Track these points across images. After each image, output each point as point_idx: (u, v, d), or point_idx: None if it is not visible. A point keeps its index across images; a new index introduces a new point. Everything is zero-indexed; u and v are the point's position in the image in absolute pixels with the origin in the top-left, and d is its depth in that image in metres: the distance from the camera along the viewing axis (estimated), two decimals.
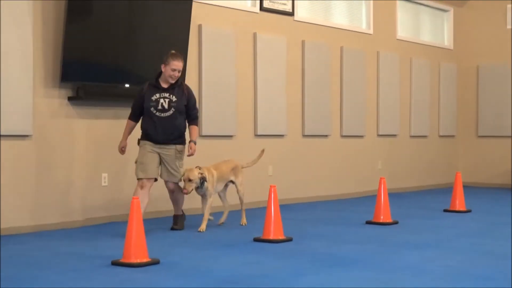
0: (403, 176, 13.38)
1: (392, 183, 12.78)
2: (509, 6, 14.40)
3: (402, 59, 13.37)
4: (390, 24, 13.14)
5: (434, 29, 14.62)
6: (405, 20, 13.72)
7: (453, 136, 14.88)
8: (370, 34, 12.66)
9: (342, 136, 12.02)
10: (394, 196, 11.90)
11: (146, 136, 7.66)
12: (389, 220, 8.66)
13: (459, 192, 10.03)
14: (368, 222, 8.70)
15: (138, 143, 7.73)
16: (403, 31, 13.60)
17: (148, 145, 7.61)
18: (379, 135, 12.85)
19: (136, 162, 7.67)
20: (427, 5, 14.14)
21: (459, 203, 9.99)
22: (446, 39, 14.87)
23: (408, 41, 13.59)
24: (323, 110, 11.59)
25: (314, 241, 7.27)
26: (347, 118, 12.06)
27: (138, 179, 7.60)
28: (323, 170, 11.63)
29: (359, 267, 5.89)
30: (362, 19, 12.69)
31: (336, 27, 11.91)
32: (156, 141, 7.60)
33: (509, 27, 14.45)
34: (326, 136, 11.70)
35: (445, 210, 10.02)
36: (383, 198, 8.68)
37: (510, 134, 14.36)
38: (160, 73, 7.66)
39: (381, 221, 8.62)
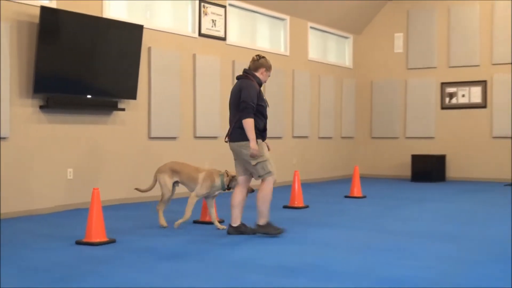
0: (313, 169, 13.56)
1: (304, 175, 12.96)
2: (396, 34, 14.75)
3: (313, 76, 13.54)
4: (303, 48, 13.29)
5: (338, 52, 14.84)
6: (315, 44, 13.90)
7: (352, 137, 15.14)
8: (287, 55, 12.79)
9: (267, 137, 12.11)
10: (306, 185, 12.07)
11: (260, 134, 6.50)
12: (302, 205, 8.80)
13: (356, 182, 10.20)
14: (285, 207, 8.80)
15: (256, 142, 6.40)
16: (313, 53, 13.77)
17: (263, 143, 6.54)
18: (294, 136, 12.99)
19: (260, 161, 6.32)
20: (332, 32, 14.35)
21: (357, 190, 10.16)
22: (347, 60, 15.11)
23: (317, 62, 13.77)
24: None
25: (245, 222, 7.32)
26: (270, 122, 12.13)
27: (269, 172, 6.33)
28: None
29: (281, 242, 5.97)
30: (281, 43, 12.82)
31: (260, 49, 11.99)
32: (264, 138, 6.62)
33: (396, 51, 14.80)
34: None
35: (346, 196, 10.17)
36: (297, 187, 8.81)
37: (397, 136, 14.72)
38: (249, 74, 6.56)
39: (295, 205, 8.75)
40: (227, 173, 6.72)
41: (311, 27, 13.58)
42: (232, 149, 6.50)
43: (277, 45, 12.71)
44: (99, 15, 8.77)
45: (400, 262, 5.06)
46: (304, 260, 5.10)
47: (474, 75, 13.82)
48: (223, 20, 11.03)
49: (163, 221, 6.83)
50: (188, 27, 10.53)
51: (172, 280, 4.40)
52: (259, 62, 6.59)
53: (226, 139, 6.53)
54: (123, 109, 9.07)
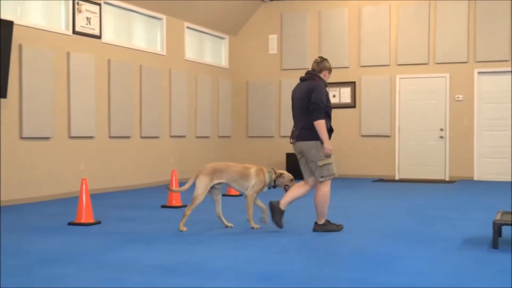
0: (191, 168, 13.58)
1: (182, 174, 12.96)
2: (270, 36, 15.08)
3: (189, 76, 13.57)
4: (179, 48, 13.28)
5: (214, 53, 14.96)
6: (192, 44, 13.93)
7: (229, 136, 15.32)
8: (164, 55, 12.73)
9: (142, 137, 12.01)
10: (184, 184, 12.07)
11: (328, 134, 6.41)
12: (180, 204, 8.80)
13: None
14: (163, 206, 8.78)
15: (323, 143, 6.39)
16: (190, 53, 13.80)
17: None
18: (171, 136, 12.96)
19: (326, 163, 6.40)
20: (208, 33, 14.44)
21: (234, 189, 10.28)
22: (223, 61, 15.26)
23: (194, 62, 13.81)
24: (126, 116, 11.51)
25: (120, 223, 7.25)
26: (146, 122, 12.06)
27: (332, 175, 6.45)
28: (127, 163, 11.56)
29: (160, 242, 5.96)
30: (157, 43, 12.74)
31: (137, 48, 11.87)
32: (329, 138, 6.48)
33: (270, 52, 15.14)
34: (129, 137, 11.63)
35: (224, 195, 10.20)
36: (174, 186, 8.78)
37: (273, 135, 15.05)
38: (315, 75, 6.59)
39: (173, 204, 8.75)
40: (274, 171, 6.77)
41: (188, 27, 13.60)
42: (299, 149, 6.57)
43: (153, 44, 12.62)
44: None
45: (279, 257, 5.20)
46: (181, 259, 5.11)
47: (343, 76, 14.41)
48: (98, 18, 10.81)
49: (182, 226, 6.64)
50: (61, 25, 10.22)
51: (50, 283, 4.28)
52: (323, 64, 6.61)
53: (292, 140, 6.57)
54: None
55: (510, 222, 5.76)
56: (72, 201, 9.30)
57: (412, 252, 5.41)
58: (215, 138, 14.65)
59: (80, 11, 10.41)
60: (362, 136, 14.26)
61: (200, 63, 14.07)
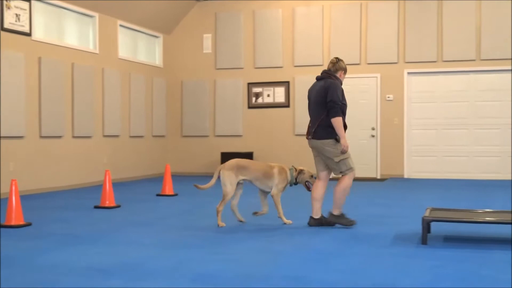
0: (125, 168, 13.43)
1: (116, 174, 12.81)
2: (205, 35, 15.06)
3: (123, 75, 13.40)
4: (112, 46, 13.10)
5: (148, 51, 14.82)
6: (125, 42, 13.76)
7: (163, 136, 15.20)
8: (96, 53, 12.53)
9: (74, 137, 11.78)
10: (118, 185, 11.94)
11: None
12: (114, 204, 8.70)
13: (168, 180, 10.27)
14: (96, 207, 8.65)
15: (338, 141, 6.59)
16: (123, 52, 13.62)
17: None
18: (105, 135, 12.76)
19: (342, 159, 6.61)
20: (142, 31, 14.30)
21: (169, 188, 10.24)
22: (157, 59, 15.13)
23: (127, 60, 13.64)
24: (58, 115, 11.27)
25: (53, 224, 7.10)
26: (78, 121, 11.84)
27: (350, 168, 6.64)
28: (59, 164, 11.32)
29: (93, 243, 5.88)
30: (89, 41, 12.52)
31: (68, 46, 11.64)
32: None
33: (205, 51, 15.11)
34: (60, 137, 11.40)
35: (158, 195, 10.22)
36: (108, 186, 8.70)
37: (207, 134, 15.04)
38: (331, 74, 6.78)
39: (107, 205, 8.63)
40: (295, 168, 6.91)
41: (121, 25, 13.43)
42: (314, 146, 6.74)
43: (85, 42, 12.39)
44: None
45: (213, 257, 5.21)
46: (117, 260, 5.06)
47: (278, 76, 14.54)
48: (28, 15, 10.54)
49: (221, 222, 6.83)
50: None
51: None
52: (339, 64, 6.80)
53: (308, 136, 6.76)
54: None
55: (438, 219, 5.95)
56: (1, 203, 9.04)
57: (346, 249, 5.51)
58: (149, 138, 14.51)
59: (9, 8, 10.12)
60: (296, 135, 14.41)
61: (134, 61, 13.90)
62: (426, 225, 5.81)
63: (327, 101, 6.56)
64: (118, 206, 8.69)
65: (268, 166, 6.91)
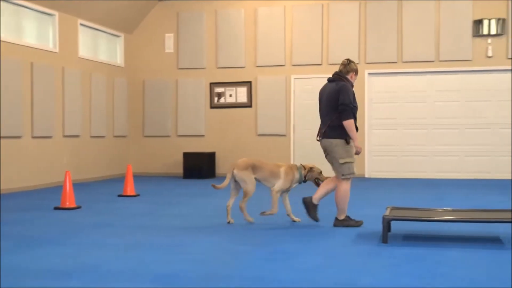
0: (85, 169, 13.28)
1: (76, 175, 12.66)
2: (167, 35, 14.98)
3: (83, 74, 13.24)
4: (73, 45, 12.94)
5: (109, 51, 14.67)
6: (86, 42, 13.60)
7: (125, 136, 15.07)
8: (56, 52, 12.35)
9: (33, 137, 11.60)
10: (78, 185, 11.81)
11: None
12: (74, 205, 8.59)
13: (129, 180, 10.19)
14: (56, 208, 8.53)
15: (348, 143, 6.70)
16: (84, 51, 13.46)
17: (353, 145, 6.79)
18: (65, 136, 12.59)
19: (348, 161, 6.70)
20: (103, 30, 14.15)
21: (130, 189, 10.16)
22: (119, 59, 14.99)
23: (88, 59, 13.49)
24: (17, 115, 11.08)
25: (12, 226, 6.98)
26: (38, 121, 11.66)
27: (352, 173, 6.72)
28: (19, 164, 11.13)
29: (53, 244, 5.79)
30: (49, 40, 12.34)
31: (27, 45, 11.45)
32: None
33: (167, 51, 15.03)
34: (19, 137, 11.21)
35: (119, 195, 10.14)
36: (68, 187, 8.59)
37: (169, 134, 14.96)
38: (342, 76, 6.86)
39: (67, 206, 8.52)
40: (304, 167, 7.00)
41: (81, 24, 13.27)
42: (325, 146, 6.84)
43: (45, 41, 12.21)
44: None
45: (174, 257, 5.19)
46: (77, 262, 5.00)
47: (240, 76, 14.55)
48: None
49: (249, 217, 7.03)
50: None
51: None
52: (350, 66, 6.88)
53: (318, 137, 6.89)
54: None
55: (398, 217, 6.03)
56: None
57: (308, 248, 5.55)
58: (110, 138, 14.37)
59: None
60: (258, 135, 14.45)
61: (95, 61, 13.76)
62: (387, 224, 5.89)
63: (338, 103, 6.65)
64: (79, 207, 8.59)
65: (275, 165, 7.06)
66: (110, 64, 14.41)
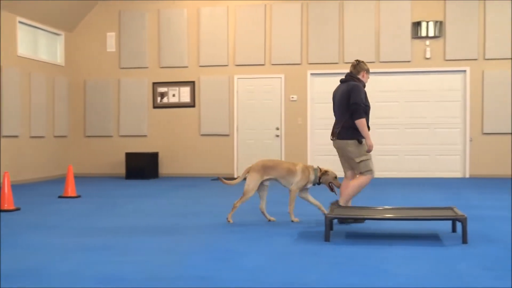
0: (25, 170, 12.96)
1: (16, 176, 12.35)
2: (108, 34, 14.77)
3: (23, 73, 12.92)
4: (11, 43, 12.60)
5: (49, 49, 14.35)
6: (25, 40, 13.27)
7: (66, 136, 14.77)
8: None
9: None
10: (18, 187, 11.53)
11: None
12: (13, 207, 8.37)
13: (70, 181, 10.00)
14: None
15: (360, 142, 6.89)
16: (23, 50, 13.13)
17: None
18: (3, 136, 12.24)
19: (363, 160, 6.91)
20: (43, 28, 13.84)
21: (71, 190, 9.97)
22: (59, 58, 14.68)
23: (27, 58, 13.17)
24: None
25: None
26: None
27: (369, 170, 6.93)
28: None
29: None
30: None
31: None
32: None
33: (108, 50, 14.81)
34: None
35: (60, 197, 9.93)
36: (7, 189, 8.37)
37: (111, 134, 14.76)
38: (354, 77, 7.11)
39: (5, 208, 8.30)
40: (320, 169, 7.06)
41: (20, 22, 12.94)
42: (338, 146, 7.02)
43: None
44: None
45: (118, 258, 5.12)
46: (16, 265, 4.88)
47: (183, 76, 14.47)
48: None
49: (230, 218, 7.04)
50: None
51: None
52: (360, 66, 7.10)
53: (333, 137, 7.07)
54: None
55: (341, 216, 6.11)
56: None
57: (252, 248, 5.56)
58: (50, 138, 14.07)
59: None
60: (202, 135, 14.40)
61: (34, 59, 13.44)
62: (329, 222, 5.95)
63: (350, 103, 6.81)
64: (18, 209, 8.38)
65: (292, 164, 7.14)
66: (50, 63, 14.10)
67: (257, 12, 14.18)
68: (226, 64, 14.27)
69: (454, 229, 6.35)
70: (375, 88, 13.92)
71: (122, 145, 14.67)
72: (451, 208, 6.31)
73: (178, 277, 4.49)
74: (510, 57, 13.28)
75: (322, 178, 7.09)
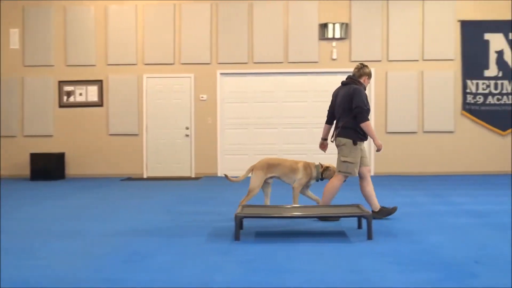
0: None
1: None
2: (12, 30, 14.26)
3: None
4: None
5: None
6: None
7: None
8: None
9: None
10: None
11: (363, 136, 7.09)
12: None
13: None
14: None
15: (355, 144, 7.02)
16: None
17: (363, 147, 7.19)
18: None
19: (349, 162, 7.03)
20: None
21: None
22: None
23: None
24: None
25: None
26: None
27: (348, 173, 7.06)
28: None
29: None
30: None
31: None
32: (366, 139, 7.18)
33: (12, 47, 14.31)
34: None
35: None
36: None
37: (15, 135, 14.27)
38: (356, 80, 7.19)
39: None
40: (321, 165, 7.32)
41: None
42: (337, 144, 7.15)
43: None
44: None
45: (24, 262, 5.00)
46: None
47: (90, 74, 14.18)
48: None
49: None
50: None
51: None
52: (363, 70, 7.20)
53: (332, 139, 7.23)
54: None
55: (250, 215, 6.20)
56: None
57: (164, 248, 5.56)
58: None
59: None
60: (110, 135, 14.17)
61: None
62: (239, 221, 6.03)
63: (353, 107, 6.93)
64: None
65: (294, 162, 7.40)
66: None
67: (166, 11, 14.09)
68: (135, 63, 14.10)
69: (360, 226, 6.58)
70: (283, 88, 14.18)
71: (26, 145, 14.19)
72: (357, 206, 6.54)
73: (87, 279, 4.45)
74: (412, 58, 13.84)
75: (325, 174, 7.38)
